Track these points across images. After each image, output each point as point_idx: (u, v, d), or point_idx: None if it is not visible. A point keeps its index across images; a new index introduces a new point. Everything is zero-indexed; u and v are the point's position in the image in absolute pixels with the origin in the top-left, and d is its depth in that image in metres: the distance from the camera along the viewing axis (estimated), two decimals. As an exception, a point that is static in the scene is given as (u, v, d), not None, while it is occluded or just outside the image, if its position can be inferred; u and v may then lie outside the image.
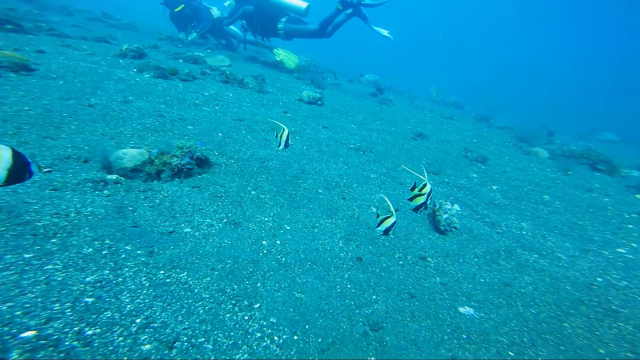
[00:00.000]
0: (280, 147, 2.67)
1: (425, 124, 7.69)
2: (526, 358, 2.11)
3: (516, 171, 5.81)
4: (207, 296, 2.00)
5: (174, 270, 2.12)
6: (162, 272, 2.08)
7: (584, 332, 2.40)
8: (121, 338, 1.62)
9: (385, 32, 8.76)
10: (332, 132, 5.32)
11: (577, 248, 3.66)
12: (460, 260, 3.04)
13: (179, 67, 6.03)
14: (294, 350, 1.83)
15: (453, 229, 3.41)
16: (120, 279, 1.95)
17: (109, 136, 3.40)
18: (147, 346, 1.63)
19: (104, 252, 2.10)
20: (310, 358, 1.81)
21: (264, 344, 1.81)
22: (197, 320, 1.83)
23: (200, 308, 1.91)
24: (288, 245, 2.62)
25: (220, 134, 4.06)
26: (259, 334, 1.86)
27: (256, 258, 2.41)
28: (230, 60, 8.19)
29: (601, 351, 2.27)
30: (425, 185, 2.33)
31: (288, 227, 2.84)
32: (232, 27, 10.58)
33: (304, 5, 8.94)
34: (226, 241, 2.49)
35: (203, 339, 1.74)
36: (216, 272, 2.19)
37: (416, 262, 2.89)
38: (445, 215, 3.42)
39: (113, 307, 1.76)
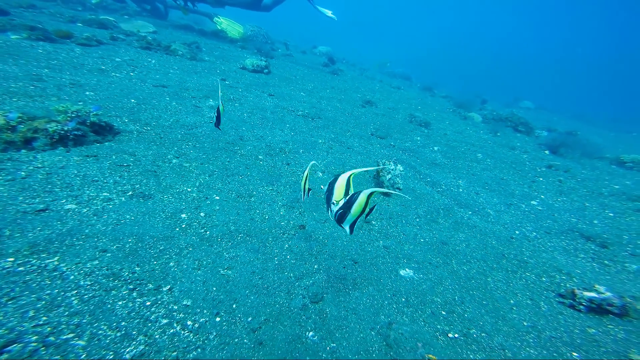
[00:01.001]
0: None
1: (374, 93, 7.34)
2: (455, 315, 1.99)
3: (455, 134, 5.78)
4: (88, 283, 1.52)
5: (35, 256, 1.58)
6: (11, 259, 1.54)
7: (502, 285, 2.36)
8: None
9: (329, 13, 7.87)
10: (279, 100, 4.75)
11: (502, 203, 3.69)
12: (403, 222, 2.85)
13: (76, 31, 4.81)
14: (214, 333, 1.48)
15: (396, 190, 3.20)
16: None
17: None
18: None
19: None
20: (236, 339, 1.47)
21: (171, 331, 1.43)
22: (65, 314, 1.37)
23: (74, 298, 1.44)
24: (215, 217, 2.17)
25: (133, 100, 3.30)
26: (165, 321, 1.46)
27: (170, 234, 1.94)
28: (155, 27, 6.85)
29: (511, 301, 2.23)
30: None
31: (217, 197, 2.37)
32: None
33: None
34: (128, 217, 1.96)
35: (71, 335, 1.30)
36: (109, 254, 1.69)
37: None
38: (389, 176, 3.18)
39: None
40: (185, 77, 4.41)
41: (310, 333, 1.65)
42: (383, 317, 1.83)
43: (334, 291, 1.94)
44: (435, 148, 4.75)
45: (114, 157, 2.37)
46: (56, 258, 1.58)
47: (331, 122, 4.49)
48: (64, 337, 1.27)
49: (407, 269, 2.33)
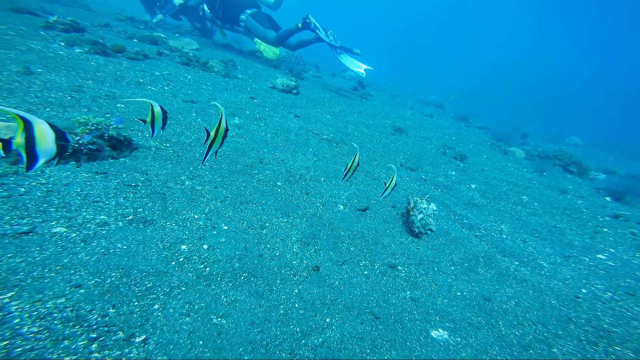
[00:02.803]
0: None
1: (405, 120, 7.15)
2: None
3: (494, 170, 5.36)
4: (34, 330, 1.26)
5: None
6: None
7: None
8: None
9: (361, 69, 7.47)
10: (305, 122, 4.68)
11: (557, 254, 3.20)
12: (435, 269, 2.50)
13: (129, 46, 5.15)
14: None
15: (428, 232, 2.87)
16: None
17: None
18: None
19: None
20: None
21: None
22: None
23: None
24: (219, 251, 1.97)
25: None
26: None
27: (163, 268, 1.74)
28: (199, 45, 7.22)
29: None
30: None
31: (225, 227, 2.18)
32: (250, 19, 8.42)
33: None
34: (120, 245, 1.78)
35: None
36: (82, 291, 1.48)
37: (384, 271, 2.32)
38: (420, 216, 2.87)
39: None
40: (216, 94, 4.51)
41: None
42: (409, 400, 1.48)
43: (348, 355, 1.63)
44: (473, 186, 4.37)
45: (124, 175, 2.28)
46: (10, 294, 1.37)
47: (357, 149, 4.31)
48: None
49: (440, 330, 1.96)
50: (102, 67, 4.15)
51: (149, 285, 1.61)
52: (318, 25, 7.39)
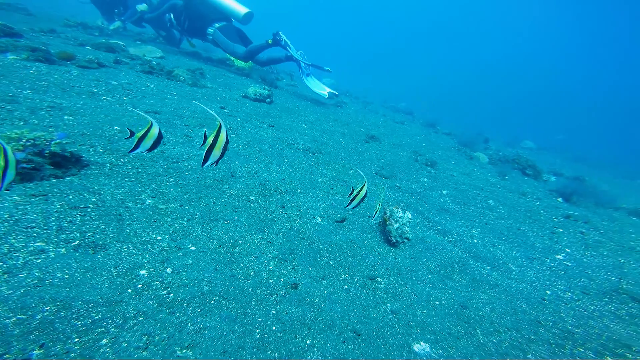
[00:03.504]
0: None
1: (378, 127, 7.27)
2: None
3: (462, 175, 5.57)
4: None
5: None
6: None
7: None
8: None
9: (325, 92, 7.57)
10: (280, 132, 4.57)
11: (523, 257, 3.35)
12: (414, 278, 2.49)
13: (81, 54, 4.75)
14: None
15: (405, 240, 2.87)
16: None
17: None
18: None
19: None
20: None
21: None
22: None
23: None
24: (185, 274, 1.80)
25: (117, 127, 3.02)
26: None
27: (116, 297, 1.55)
28: (164, 53, 6.83)
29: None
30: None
31: (193, 248, 2.01)
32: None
33: (243, 10, 7.48)
34: (59, 275, 1.56)
35: None
36: None
37: (364, 284, 2.27)
38: (397, 225, 2.87)
39: None
40: (183, 104, 4.27)
41: None
42: None
43: (331, 380, 1.54)
44: (444, 191, 4.49)
45: (70, 196, 2.01)
46: None
47: (333, 158, 4.27)
48: None
49: (422, 343, 1.94)
50: (45, 75, 3.75)
51: (96, 317, 1.42)
52: (289, 42, 7.30)
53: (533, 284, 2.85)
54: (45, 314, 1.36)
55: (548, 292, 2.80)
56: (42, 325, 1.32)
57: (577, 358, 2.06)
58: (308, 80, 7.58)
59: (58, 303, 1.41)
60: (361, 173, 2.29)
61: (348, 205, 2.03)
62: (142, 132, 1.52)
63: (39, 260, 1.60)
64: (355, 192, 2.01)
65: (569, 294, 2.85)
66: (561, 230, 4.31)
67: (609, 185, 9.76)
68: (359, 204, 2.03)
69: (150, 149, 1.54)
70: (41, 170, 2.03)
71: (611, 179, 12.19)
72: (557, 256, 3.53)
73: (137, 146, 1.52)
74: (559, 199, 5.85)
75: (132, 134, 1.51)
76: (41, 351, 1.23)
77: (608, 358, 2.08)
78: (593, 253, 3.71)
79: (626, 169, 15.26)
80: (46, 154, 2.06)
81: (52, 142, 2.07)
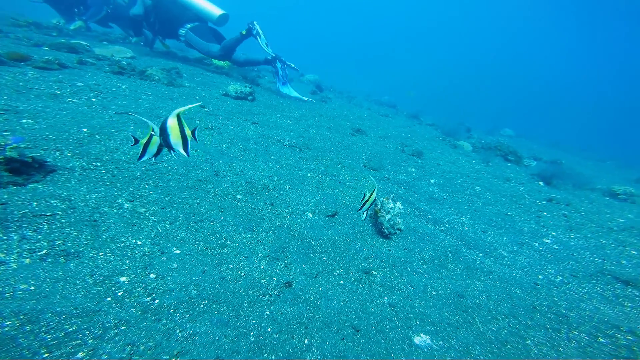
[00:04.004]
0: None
1: (363, 121, 7.22)
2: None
3: (449, 164, 5.60)
4: None
5: None
6: None
7: (548, 350, 1.95)
8: None
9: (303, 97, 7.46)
10: (264, 129, 4.43)
11: (513, 242, 3.37)
12: (409, 269, 2.44)
13: (37, 54, 4.39)
14: None
15: (397, 231, 2.82)
16: None
17: None
18: None
19: None
20: None
21: None
22: None
23: None
24: (171, 279, 1.67)
25: (85, 130, 2.80)
26: None
27: (94, 307, 1.41)
28: (134, 53, 6.41)
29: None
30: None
31: (177, 251, 1.88)
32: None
33: (218, 12, 7.18)
34: (23, 287, 1.40)
35: None
36: None
37: (360, 278, 2.20)
38: (388, 216, 2.81)
39: None
40: (159, 104, 4.04)
41: None
42: None
43: (332, 381, 1.46)
44: (432, 181, 4.49)
45: (34, 204, 1.83)
46: None
47: (321, 153, 4.17)
48: None
49: (422, 335, 1.88)
50: (-10, 78, 3.44)
51: (70, 329, 1.28)
52: (261, 32, 7.07)
53: (525, 269, 2.86)
54: (5, 329, 1.22)
55: (540, 276, 2.82)
56: (8, 342, 1.17)
57: (574, 342, 2.07)
58: (283, 89, 7.42)
59: (21, 317, 1.27)
60: (372, 178, 2.35)
61: (360, 209, 2.19)
62: (146, 138, 1.48)
63: (-1, 274, 1.42)
64: (366, 197, 2.15)
65: (560, 277, 2.88)
66: (545, 214, 4.38)
67: (583, 168, 10.16)
68: (369, 207, 2.20)
69: (157, 155, 1.48)
70: (-2, 177, 1.82)
71: (584, 162, 12.70)
72: (544, 240, 3.58)
73: (143, 153, 1.46)
74: (541, 183, 5.98)
75: (137, 141, 1.43)
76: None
77: (601, 339, 2.10)
78: (577, 235, 3.79)
79: (594, 152, 15.96)
80: (1, 160, 1.85)
81: (7, 147, 1.87)
